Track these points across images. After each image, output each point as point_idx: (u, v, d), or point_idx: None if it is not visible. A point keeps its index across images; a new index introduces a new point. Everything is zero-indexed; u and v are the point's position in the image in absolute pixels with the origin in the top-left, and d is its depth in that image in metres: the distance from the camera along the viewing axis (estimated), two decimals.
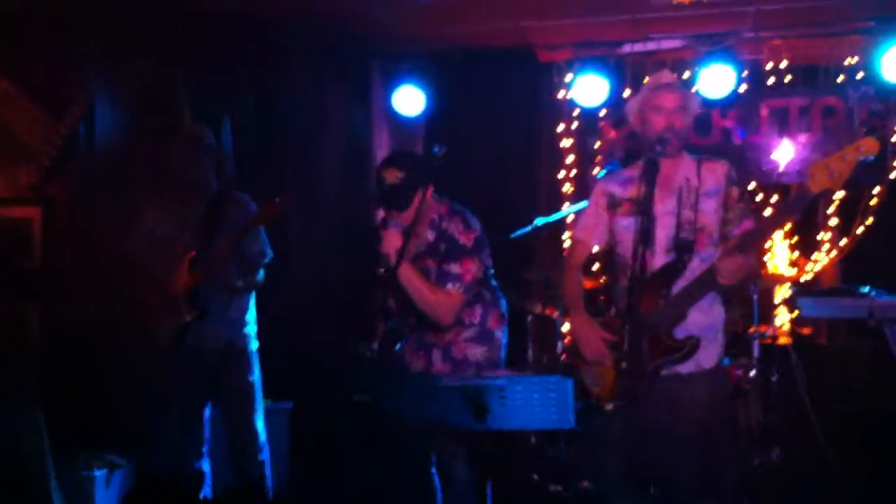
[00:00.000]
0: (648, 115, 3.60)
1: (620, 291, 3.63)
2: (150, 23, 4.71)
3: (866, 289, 4.33)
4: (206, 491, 4.30)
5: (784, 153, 6.23)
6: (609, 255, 3.82)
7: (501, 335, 3.92)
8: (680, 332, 3.48)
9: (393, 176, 3.70)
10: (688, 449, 3.49)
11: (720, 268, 3.37)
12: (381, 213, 3.87)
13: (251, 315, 4.38)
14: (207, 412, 4.33)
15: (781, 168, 6.22)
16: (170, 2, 4.75)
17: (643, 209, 3.45)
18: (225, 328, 4.28)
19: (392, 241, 3.59)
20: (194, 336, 4.20)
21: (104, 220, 4.60)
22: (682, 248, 3.54)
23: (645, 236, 3.45)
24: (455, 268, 3.74)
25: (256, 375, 4.33)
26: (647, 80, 3.83)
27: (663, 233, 3.57)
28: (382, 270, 3.58)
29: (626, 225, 3.62)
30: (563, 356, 5.23)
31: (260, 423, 4.31)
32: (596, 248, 3.82)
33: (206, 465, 4.31)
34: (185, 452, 4.27)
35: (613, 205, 3.69)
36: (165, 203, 4.33)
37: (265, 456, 4.29)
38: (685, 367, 3.49)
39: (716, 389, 3.62)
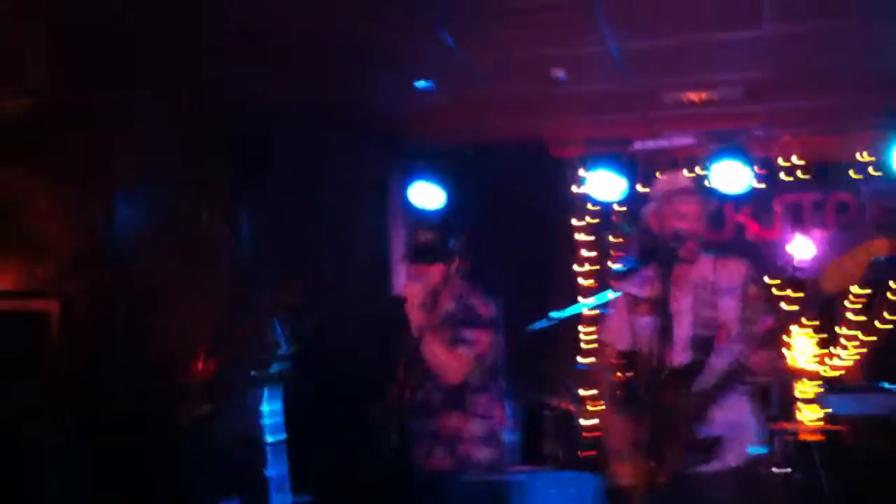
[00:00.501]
0: (669, 220, 3.61)
1: (641, 389, 3.61)
2: (179, 117, 4.80)
3: (891, 385, 4.29)
4: None
5: (798, 248, 6.24)
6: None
7: (508, 437, 3.92)
8: (703, 431, 3.44)
9: (425, 236, 3.93)
10: None
11: (751, 364, 3.34)
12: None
13: (269, 407, 4.35)
14: None
15: (796, 263, 6.21)
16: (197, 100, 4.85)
17: (660, 308, 3.47)
18: (242, 419, 4.25)
19: (412, 291, 3.78)
20: (213, 427, 4.17)
21: (123, 315, 4.62)
22: (701, 346, 3.52)
23: (664, 334, 3.45)
24: (468, 334, 3.82)
25: (277, 469, 4.27)
26: (659, 175, 3.88)
27: (682, 331, 3.55)
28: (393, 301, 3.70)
29: (645, 324, 3.61)
30: (582, 452, 5.18)
31: None
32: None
33: None
34: None
35: (633, 305, 3.70)
36: (184, 299, 4.36)
37: None
38: (711, 466, 3.43)
39: (744, 488, 3.54)
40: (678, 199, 3.61)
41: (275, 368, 4.33)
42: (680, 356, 3.53)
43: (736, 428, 3.50)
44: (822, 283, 3.28)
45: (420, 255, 3.88)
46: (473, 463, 3.78)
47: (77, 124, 4.48)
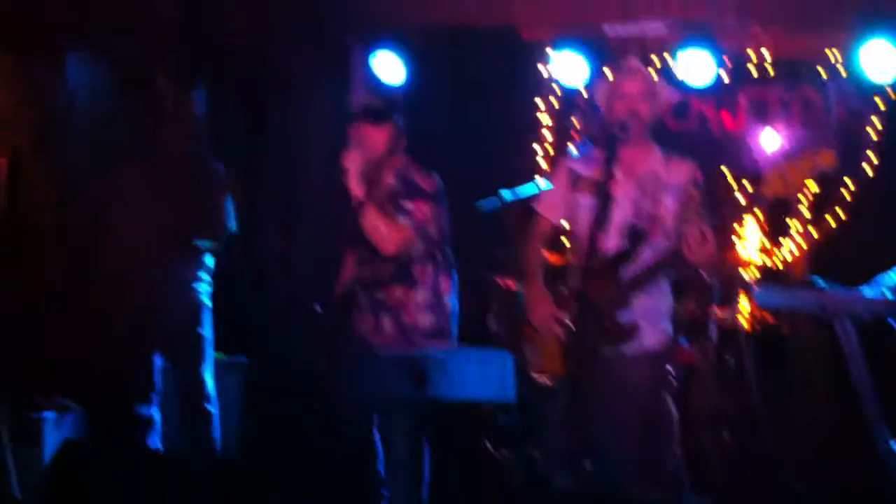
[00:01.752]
0: (613, 100, 3.65)
1: (573, 270, 3.71)
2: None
3: (821, 282, 4.38)
4: (156, 441, 4.37)
5: (761, 142, 6.26)
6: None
7: (452, 304, 4.01)
8: (623, 317, 3.54)
9: (373, 100, 4.01)
10: (625, 431, 3.57)
11: (692, 243, 3.37)
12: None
13: (205, 275, 4.44)
14: (158, 362, 4.40)
15: (757, 157, 6.24)
16: None
17: (602, 191, 3.52)
18: (178, 284, 4.34)
19: (353, 160, 3.79)
20: (145, 289, 4.26)
21: (71, 180, 4.64)
22: (637, 236, 3.60)
23: (601, 217, 3.52)
24: (408, 204, 3.88)
25: (207, 330, 4.40)
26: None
27: (619, 217, 3.63)
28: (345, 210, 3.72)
29: (585, 204, 3.67)
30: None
31: (208, 376, 4.38)
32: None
33: (155, 413, 4.38)
34: (132, 398, 4.34)
35: (575, 182, 3.75)
36: (133, 170, 4.36)
37: (213, 408, 4.37)
38: (628, 349, 3.56)
39: (658, 372, 3.69)
40: (623, 78, 3.64)
41: (218, 244, 4.42)
42: (613, 241, 3.62)
43: (655, 313, 3.62)
44: (763, 188, 3.35)
45: (364, 115, 3.85)
46: (419, 329, 3.90)
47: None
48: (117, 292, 4.28)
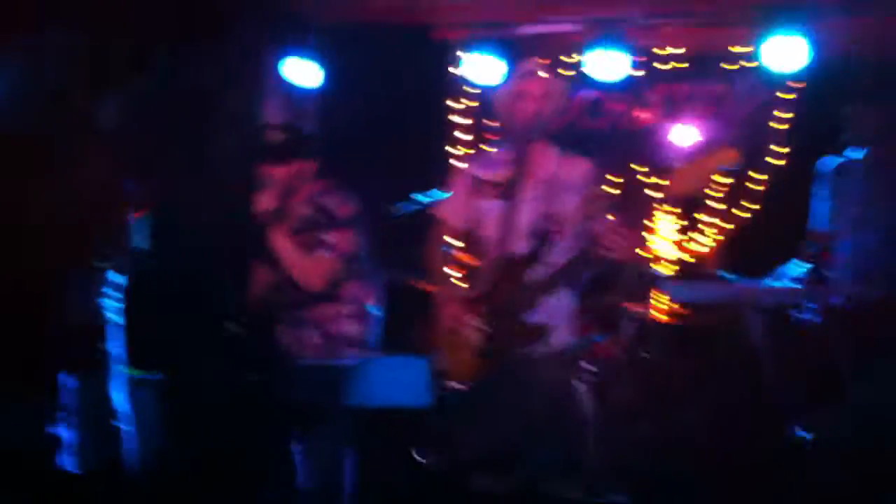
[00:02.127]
0: (514, 102, 3.67)
1: (479, 274, 3.72)
2: None
3: (730, 275, 4.48)
4: (66, 461, 4.27)
5: (678, 137, 6.36)
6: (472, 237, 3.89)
7: (374, 312, 4.00)
8: (530, 319, 3.57)
9: (274, 135, 3.91)
10: (541, 431, 3.59)
11: (606, 241, 3.41)
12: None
13: (112, 290, 4.36)
14: (65, 381, 4.31)
15: (669, 153, 6.35)
16: None
17: (507, 194, 3.54)
18: (80, 301, 4.27)
19: (265, 201, 3.76)
20: (46, 305, 4.17)
21: None
22: (542, 237, 3.63)
23: (507, 220, 3.54)
24: (330, 237, 3.84)
25: (114, 346, 4.32)
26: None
27: (524, 219, 3.65)
28: (254, 230, 3.68)
29: (489, 208, 3.69)
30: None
31: (115, 393, 4.30)
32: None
33: (62, 432, 4.29)
34: (36, 417, 4.23)
35: (477, 187, 3.76)
36: (48, 185, 4.27)
37: (123, 425, 4.28)
38: (537, 350, 3.58)
39: (568, 371, 3.73)
40: (521, 80, 3.66)
41: (120, 261, 4.34)
42: (521, 243, 3.64)
43: (560, 313, 3.65)
44: (671, 185, 3.41)
45: (270, 154, 3.82)
46: (345, 339, 3.88)
47: None
48: (16, 307, 4.17)
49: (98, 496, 3.85)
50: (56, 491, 3.26)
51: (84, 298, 4.29)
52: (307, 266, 3.78)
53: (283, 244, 3.74)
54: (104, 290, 4.34)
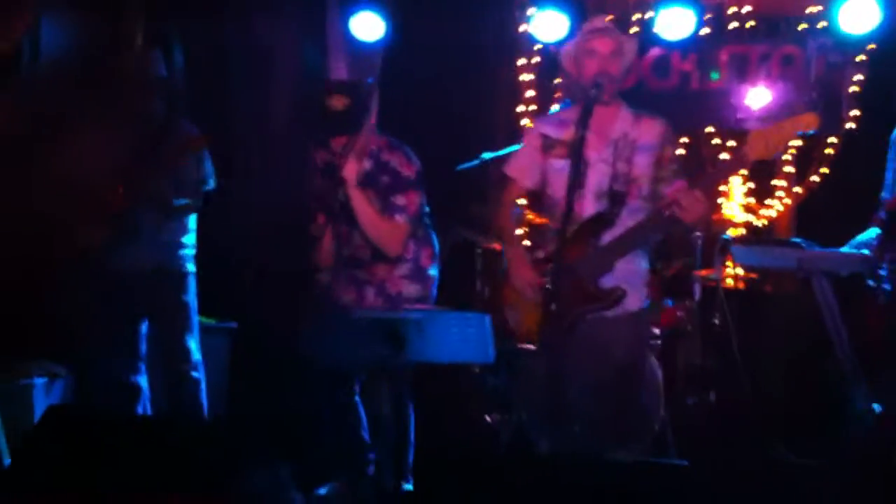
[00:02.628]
0: (582, 59, 3.61)
1: (550, 234, 3.70)
2: None
3: (798, 240, 4.40)
4: (144, 406, 4.38)
5: (742, 99, 6.25)
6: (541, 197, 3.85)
7: (433, 273, 4.02)
8: (606, 282, 3.54)
9: (339, 102, 3.78)
10: (608, 394, 3.57)
11: (683, 203, 3.38)
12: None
13: (188, 238, 4.41)
14: (144, 329, 4.38)
15: (740, 115, 6.24)
16: None
17: (575, 153, 3.49)
18: (157, 249, 4.30)
19: (350, 168, 3.72)
20: (126, 254, 4.22)
21: (43, 135, 4.57)
22: (615, 198, 3.58)
23: (576, 180, 3.49)
24: (400, 199, 3.85)
25: (191, 296, 4.38)
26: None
27: (595, 179, 3.61)
28: (324, 184, 3.67)
29: (559, 167, 3.64)
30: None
31: (193, 343, 4.36)
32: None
33: (142, 381, 4.38)
34: (119, 367, 4.32)
35: (547, 146, 3.72)
36: (108, 128, 4.30)
37: (199, 375, 4.35)
38: (610, 312, 3.56)
39: (638, 332, 3.70)
40: (591, 37, 3.60)
41: (198, 202, 4.37)
42: (590, 205, 3.60)
43: (635, 276, 3.62)
44: (746, 150, 3.33)
45: (335, 126, 3.80)
46: (403, 298, 3.90)
47: None
48: (97, 259, 4.23)
49: (168, 442, 3.93)
50: (129, 436, 3.32)
51: (165, 245, 4.33)
52: (387, 229, 3.80)
53: (363, 204, 3.76)
54: (184, 238, 4.38)
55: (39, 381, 4.46)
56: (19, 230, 4.41)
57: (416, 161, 3.93)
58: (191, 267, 4.40)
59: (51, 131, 4.38)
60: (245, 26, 5.34)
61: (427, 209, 4.05)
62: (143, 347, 4.40)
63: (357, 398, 4.02)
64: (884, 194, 4.41)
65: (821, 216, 5.84)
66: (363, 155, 3.85)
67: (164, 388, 4.37)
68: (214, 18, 5.17)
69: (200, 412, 4.32)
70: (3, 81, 4.52)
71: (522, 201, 3.92)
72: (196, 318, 4.39)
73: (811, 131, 3.32)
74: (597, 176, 3.61)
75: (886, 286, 4.12)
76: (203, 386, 4.38)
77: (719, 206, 6.09)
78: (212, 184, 4.39)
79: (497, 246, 5.44)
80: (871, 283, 4.28)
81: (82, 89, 4.53)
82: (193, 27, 4.96)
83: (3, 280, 4.45)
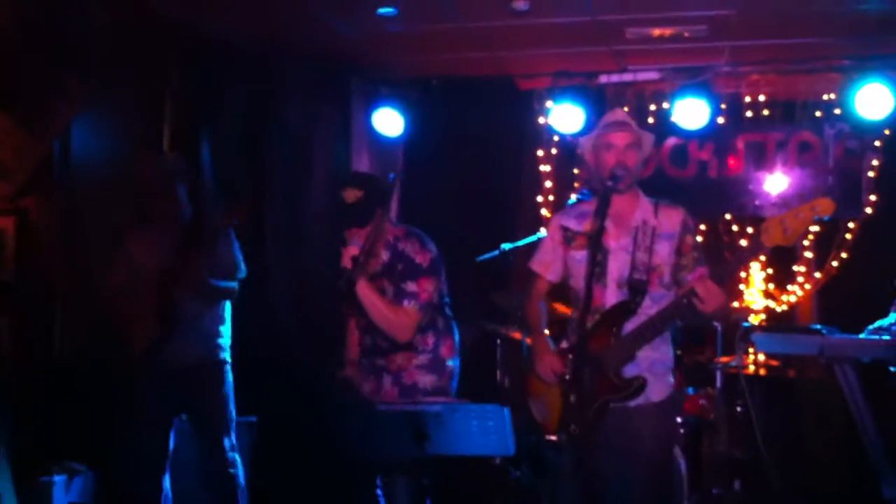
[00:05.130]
0: (601, 152, 3.67)
1: (573, 325, 3.70)
2: (134, 48, 4.80)
3: (818, 326, 4.39)
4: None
5: (760, 185, 6.30)
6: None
7: (453, 364, 4.01)
8: (628, 371, 3.54)
9: (352, 195, 3.87)
10: (634, 485, 3.53)
11: (700, 293, 3.38)
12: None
13: (225, 328, 4.40)
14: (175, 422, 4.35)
15: (758, 201, 6.28)
16: (154, 28, 4.87)
17: (594, 243, 3.52)
18: (198, 341, 4.28)
19: (350, 256, 3.75)
20: (172, 349, 4.19)
21: (81, 238, 4.66)
22: (636, 287, 3.58)
23: (594, 270, 3.52)
24: (411, 286, 3.86)
25: (228, 388, 4.34)
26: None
27: (616, 268, 3.62)
28: (342, 282, 3.71)
29: (580, 259, 3.67)
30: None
31: (230, 440, 4.30)
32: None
33: (166, 482, 4.30)
34: (148, 467, 4.27)
35: (568, 238, 3.76)
36: (143, 231, 4.35)
37: (237, 471, 4.30)
38: (633, 402, 3.54)
39: (663, 423, 3.65)
40: (609, 130, 3.66)
41: (234, 286, 4.38)
42: (612, 294, 3.61)
43: (659, 366, 3.61)
44: (762, 238, 3.35)
45: (347, 218, 3.86)
46: (420, 389, 3.91)
47: (31, 51, 4.47)
48: (140, 355, 4.20)
49: None
50: None
51: (206, 336, 4.32)
52: (394, 317, 3.82)
53: (370, 296, 3.80)
54: (222, 328, 4.38)
55: (59, 479, 4.46)
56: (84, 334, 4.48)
57: (431, 248, 3.95)
58: (227, 357, 4.38)
59: (95, 233, 4.46)
60: (281, 119, 5.48)
61: (447, 300, 4.07)
62: (172, 445, 4.34)
63: (379, 491, 3.99)
64: None
65: (841, 301, 5.84)
66: (380, 247, 3.90)
67: (203, 487, 4.29)
68: (251, 111, 5.31)
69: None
70: (39, 183, 4.62)
71: (546, 293, 3.93)
72: (233, 411, 4.34)
73: (827, 216, 3.34)
74: (617, 264, 3.63)
75: None
76: (240, 480, 4.32)
77: (740, 293, 6.10)
78: (244, 270, 4.41)
79: (517, 335, 5.47)
80: (893, 369, 4.26)
81: (114, 191, 4.63)
82: (226, 122, 5.09)
83: (31, 378, 4.51)
